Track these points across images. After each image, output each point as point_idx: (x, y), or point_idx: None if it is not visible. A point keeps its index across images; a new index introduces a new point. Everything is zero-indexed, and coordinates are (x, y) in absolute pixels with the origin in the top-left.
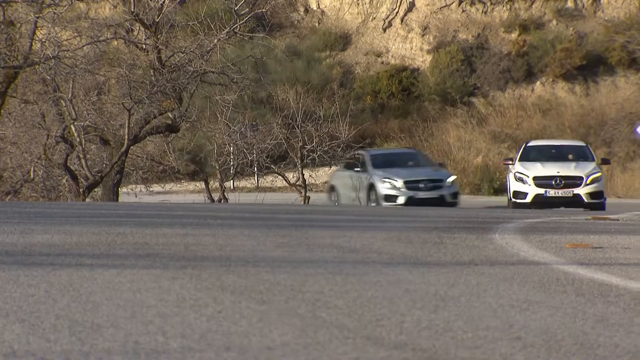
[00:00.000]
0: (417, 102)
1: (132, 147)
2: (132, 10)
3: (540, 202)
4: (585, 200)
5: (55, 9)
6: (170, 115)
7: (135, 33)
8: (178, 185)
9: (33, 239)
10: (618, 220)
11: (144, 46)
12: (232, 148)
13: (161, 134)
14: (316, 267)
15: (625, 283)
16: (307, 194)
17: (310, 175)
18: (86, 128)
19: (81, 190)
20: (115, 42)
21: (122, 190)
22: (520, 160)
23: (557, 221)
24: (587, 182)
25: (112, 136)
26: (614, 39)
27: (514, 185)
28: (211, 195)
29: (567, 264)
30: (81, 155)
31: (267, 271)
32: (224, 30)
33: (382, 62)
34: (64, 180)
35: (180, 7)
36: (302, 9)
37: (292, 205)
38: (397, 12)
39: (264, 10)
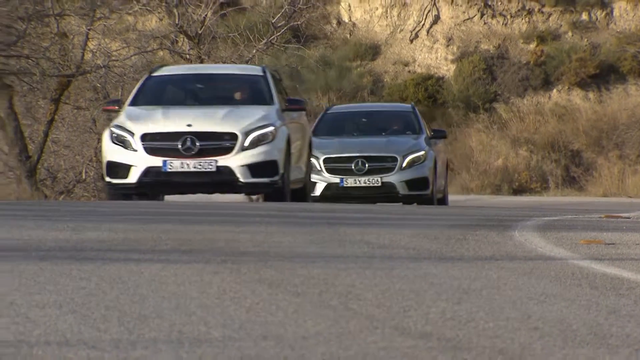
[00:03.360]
0: (441, 108)
1: None
2: (177, 22)
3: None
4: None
5: (106, 22)
6: None
7: (180, 44)
8: None
9: (84, 235)
10: (629, 218)
11: (187, 56)
12: None
13: None
14: (347, 262)
15: (636, 277)
16: None
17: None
18: None
19: None
20: (161, 53)
21: None
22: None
23: (572, 219)
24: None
25: None
26: (626, 49)
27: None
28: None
29: (581, 259)
30: None
31: (302, 266)
32: (262, 41)
33: (409, 71)
34: None
35: (221, 20)
36: (334, 22)
37: (323, 204)
38: (423, 24)
39: (299, 23)
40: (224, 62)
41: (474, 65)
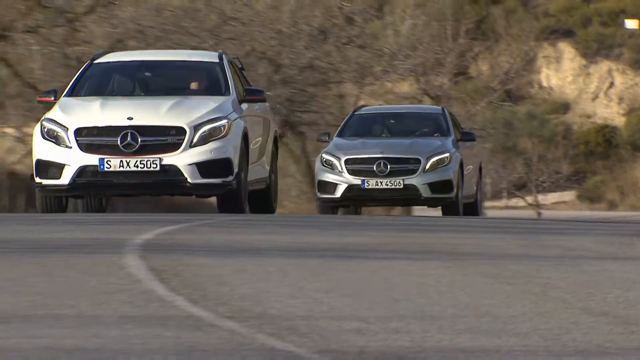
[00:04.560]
0: (615, 149)
1: None
2: (422, 87)
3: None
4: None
5: (372, 87)
6: None
7: (424, 103)
8: None
9: (347, 240)
10: None
11: None
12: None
13: None
14: (545, 260)
15: None
16: (540, 211)
17: (541, 198)
18: None
19: None
20: None
21: None
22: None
23: None
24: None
25: None
26: None
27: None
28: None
29: None
30: None
31: (511, 263)
32: (484, 100)
33: (591, 122)
34: None
35: (454, 85)
36: (537, 86)
37: (528, 218)
38: (602, 88)
39: (511, 86)
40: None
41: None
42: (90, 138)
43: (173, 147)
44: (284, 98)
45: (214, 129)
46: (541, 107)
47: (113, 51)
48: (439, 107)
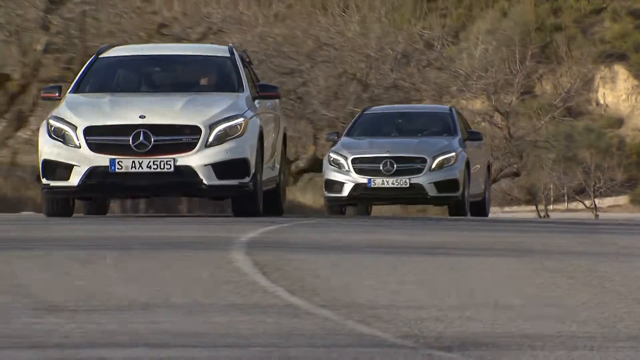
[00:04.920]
0: None
1: None
2: (493, 104)
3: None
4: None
5: (448, 104)
6: None
7: (494, 118)
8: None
9: (421, 239)
10: None
11: (499, 126)
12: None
13: None
14: (603, 256)
15: None
16: (597, 213)
17: (598, 202)
18: None
19: None
20: (483, 124)
21: None
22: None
23: None
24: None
25: None
26: None
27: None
28: (539, 214)
29: None
30: None
31: (572, 258)
32: (547, 115)
33: None
34: None
35: (521, 102)
36: (594, 103)
37: (587, 220)
38: None
39: (572, 104)
40: (524, 129)
41: None
42: (101, 137)
43: (188, 147)
44: None
45: (230, 127)
46: (598, 122)
47: (119, 45)
48: (447, 107)
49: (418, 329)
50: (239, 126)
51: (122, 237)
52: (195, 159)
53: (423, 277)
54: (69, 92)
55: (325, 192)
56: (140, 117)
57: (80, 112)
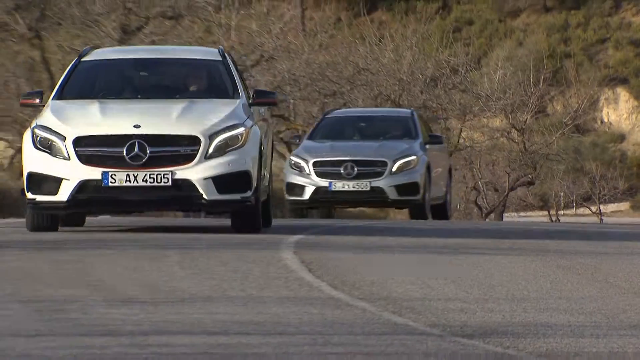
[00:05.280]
0: None
1: None
2: (510, 121)
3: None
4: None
5: (471, 122)
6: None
7: (511, 133)
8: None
9: (447, 241)
10: None
11: (515, 141)
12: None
13: None
14: (609, 256)
15: None
16: (602, 218)
17: (602, 207)
18: None
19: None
20: (502, 139)
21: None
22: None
23: None
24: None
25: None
26: None
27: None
28: (551, 218)
29: None
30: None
31: (582, 257)
32: (558, 132)
33: None
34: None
35: (535, 120)
36: (599, 121)
37: (593, 223)
38: None
39: (579, 122)
40: (540, 144)
41: None
42: (92, 148)
43: (186, 158)
44: None
45: (230, 138)
46: (602, 138)
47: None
48: (409, 111)
49: (445, 319)
50: (240, 136)
51: (185, 237)
52: (195, 172)
53: (450, 273)
54: (52, 99)
55: (287, 195)
56: (134, 126)
57: (68, 120)
